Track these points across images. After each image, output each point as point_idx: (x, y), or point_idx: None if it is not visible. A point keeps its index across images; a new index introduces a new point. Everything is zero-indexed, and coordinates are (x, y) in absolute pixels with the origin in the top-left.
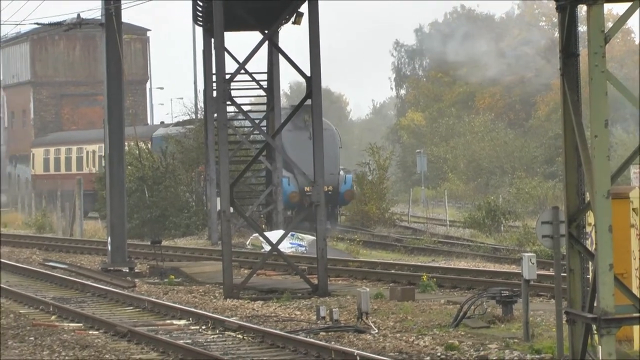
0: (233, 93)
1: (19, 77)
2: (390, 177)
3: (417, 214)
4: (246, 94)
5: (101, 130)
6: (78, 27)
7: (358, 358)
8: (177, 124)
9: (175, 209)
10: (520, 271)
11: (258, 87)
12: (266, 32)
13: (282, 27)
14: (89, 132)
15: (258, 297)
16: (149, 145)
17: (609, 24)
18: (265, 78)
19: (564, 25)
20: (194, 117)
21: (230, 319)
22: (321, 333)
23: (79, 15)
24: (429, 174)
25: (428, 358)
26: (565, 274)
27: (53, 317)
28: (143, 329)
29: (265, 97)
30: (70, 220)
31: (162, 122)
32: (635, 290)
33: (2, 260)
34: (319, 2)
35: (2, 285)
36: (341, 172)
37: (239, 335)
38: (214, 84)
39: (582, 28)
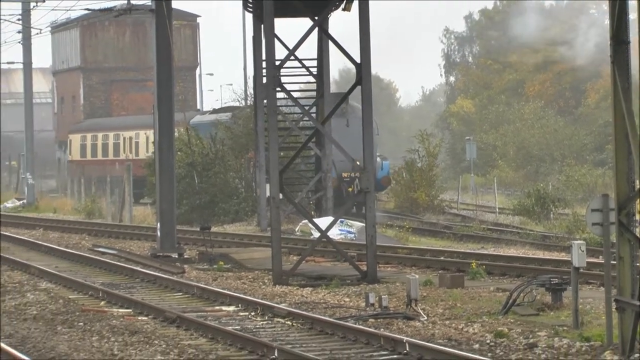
0: (283, 79)
1: (68, 62)
2: (439, 164)
3: (466, 201)
4: (296, 81)
5: (137, 117)
6: (128, 13)
7: (407, 345)
8: (213, 111)
9: (224, 195)
10: (569, 259)
11: (308, 73)
12: (316, 18)
13: (332, 13)
14: (126, 119)
15: (307, 283)
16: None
17: None
18: (315, 64)
19: (615, 13)
20: (242, 104)
21: (280, 306)
22: (370, 320)
23: (129, 1)
24: (478, 161)
25: (477, 345)
26: (614, 262)
27: (102, 303)
28: (192, 315)
29: (315, 84)
30: (120, 206)
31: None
32: None
33: (51, 245)
34: None
35: (51, 271)
36: (378, 159)
37: (288, 322)
38: (264, 71)
39: (633, 16)
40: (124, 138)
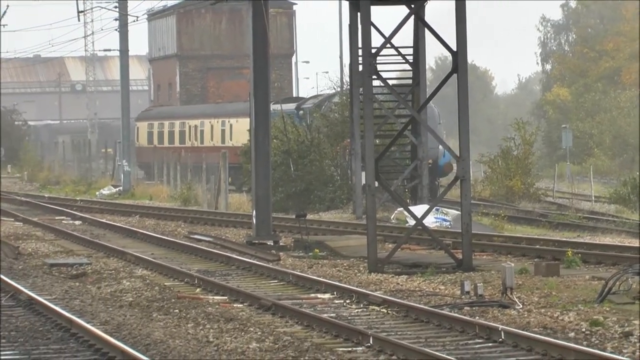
0: (379, 67)
1: (165, 50)
2: (535, 152)
3: (562, 189)
4: (392, 69)
5: (202, 106)
6: (224, 1)
7: (502, 333)
8: (285, 100)
9: (320, 182)
10: None
11: (404, 61)
12: (412, 6)
13: (428, 1)
14: (192, 108)
15: (402, 271)
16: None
17: None
18: (411, 52)
19: None
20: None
21: (375, 293)
22: (465, 308)
23: None
24: (574, 149)
25: (573, 334)
26: None
27: (198, 290)
28: (287, 302)
29: (411, 72)
30: (215, 193)
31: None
32: None
33: (147, 232)
34: None
35: (147, 258)
36: (440, 147)
37: (383, 310)
38: (360, 58)
39: None
40: (190, 126)
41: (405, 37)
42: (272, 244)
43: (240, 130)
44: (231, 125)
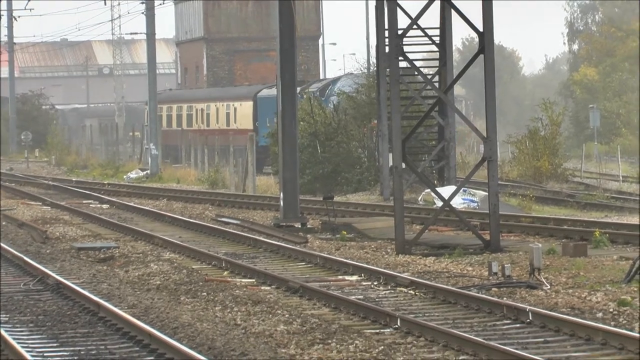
0: (405, 48)
1: (192, 33)
2: (562, 133)
3: (589, 170)
4: (418, 50)
5: (208, 90)
6: None
7: (530, 314)
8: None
9: (347, 164)
10: None
11: (430, 42)
12: None
13: None
14: (200, 91)
15: (430, 252)
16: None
17: None
18: (438, 33)
19: None
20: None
21: (402, 275)
22: (493, 289)
23: None
24: (601, 129)
25: (600, 314)
26: None
27: (225, 273)
28: (315, 284)
29: (438, 53)
30: (243, 176)
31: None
32: None
33: (174, 215)
34: None
35: (175, 241)
36: None
37: (411, 291)
38: (387, 40)
39: None
40: (196, 110)
41: (432, 18)
42: (299, 226)
43: (243, 114)
44: (235, 109)
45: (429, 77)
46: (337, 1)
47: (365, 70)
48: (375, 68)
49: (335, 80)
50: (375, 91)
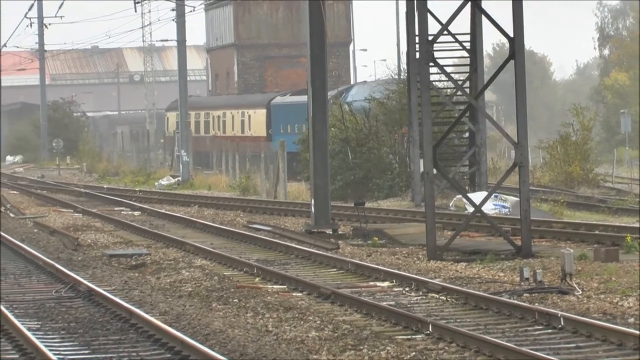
0: (436, 54)
1: (222, 39)
2: (594, 138)
3: (621, 175)
4: (449, 56)
5: (226, 97)
6: None
7: (562, 319)
8: (293, 93)
9: (378, 170)
10: None
11: (461, 48)
12: None
13: None
14: (217, 99)
15: (461, 258)
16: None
17: None
18: (468, 39)
19: None
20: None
21: (434, 281)
22: (524, 294)
23: None
24: (633, 134)
25: (632, 319)
26: None
27: (257, 279)
28: (346, 290)
29: (468, 59)
30: (274, 182)
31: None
32: None
33: (206, 222)
34: None
35: (206, 248)
36: None
37: (442, 297)
38: (417, 46)
39: None
40: (213, 117)
41: (462, 24)
42: (330, 232)
43: (257, 121)
44: (249, 116)
45: (460, 82)
46: (368, 7)
47: (396, 76)
48: (406, 74)
49: (348, 88)
50: (406, 97)
